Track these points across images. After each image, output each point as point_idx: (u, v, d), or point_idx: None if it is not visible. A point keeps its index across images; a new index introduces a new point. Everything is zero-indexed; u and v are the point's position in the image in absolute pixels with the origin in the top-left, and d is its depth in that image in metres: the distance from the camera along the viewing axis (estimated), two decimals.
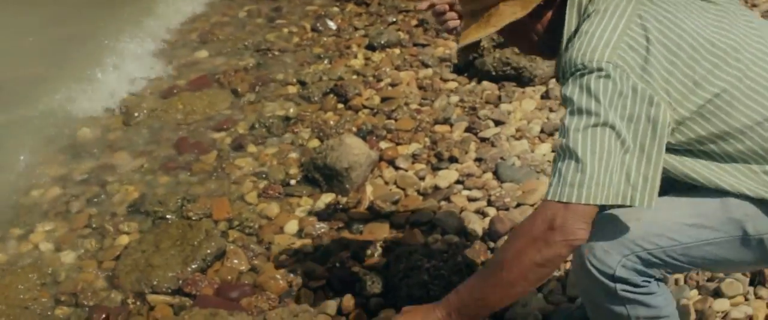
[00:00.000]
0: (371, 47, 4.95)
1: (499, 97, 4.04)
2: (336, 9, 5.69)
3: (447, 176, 3.43)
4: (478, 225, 3.03)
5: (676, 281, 2.55)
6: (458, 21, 2.19)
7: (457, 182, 3.39)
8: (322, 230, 3.21)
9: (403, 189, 3.41)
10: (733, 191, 1.70)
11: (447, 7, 2.22)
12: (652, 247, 1.73)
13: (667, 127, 1.64)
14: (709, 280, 2.53)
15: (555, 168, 1.65)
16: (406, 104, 4.13)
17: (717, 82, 1.68)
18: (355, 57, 4.89)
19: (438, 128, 3.88)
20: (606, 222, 1.74)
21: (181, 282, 2.98)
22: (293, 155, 3.86)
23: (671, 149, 1.71)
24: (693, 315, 2.41)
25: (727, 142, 1.70)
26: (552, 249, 1.62)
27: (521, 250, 1.65)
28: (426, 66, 4.57)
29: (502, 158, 3.46)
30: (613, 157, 1.59)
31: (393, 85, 4.40)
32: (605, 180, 1.58)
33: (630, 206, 1.61)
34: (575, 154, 1.60)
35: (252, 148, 3.99)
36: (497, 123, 3.81)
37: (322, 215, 3.33)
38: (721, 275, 2.48)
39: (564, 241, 1.61)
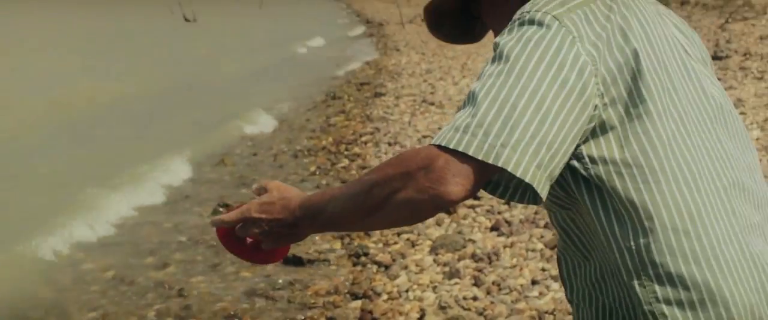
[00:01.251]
0: None
1: None
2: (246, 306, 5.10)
3: None
4: None
5: None
6: None
7: None
8: None
9: None
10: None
11: None
12: None
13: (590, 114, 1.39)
14: None
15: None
16: None
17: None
18: None
19: None
20: None
21: None
22: None
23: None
24: None
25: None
26: (420, 194, 1.35)
27: (389, 179, 1.39)
28: None
29: None
30: (518, 116, 1.32)
31: None
32: (502, 140, 1.31)
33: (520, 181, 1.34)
34: (476, 100, 1.35)
35: None
36: None
37: None
38: None
39: (432, 189, 1.33)
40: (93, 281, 5.44)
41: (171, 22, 36.50)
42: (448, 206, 1.36)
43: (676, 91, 1.46)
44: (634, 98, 1.41)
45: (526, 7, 1.46)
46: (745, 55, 11.31)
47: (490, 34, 1.79)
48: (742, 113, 8.00)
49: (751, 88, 9.34)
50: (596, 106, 1.39)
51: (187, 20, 42.77)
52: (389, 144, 8.73)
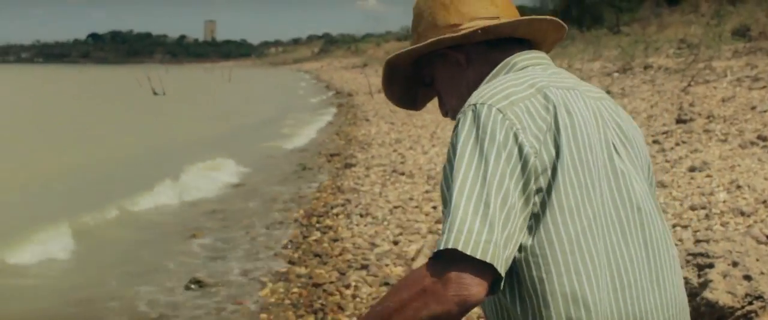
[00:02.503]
0: None
1: None
2: None
3: None
4: None
5: None
6: None
7: None
8: None
9: None
10: None
11: None
12: None
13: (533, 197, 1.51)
14: None
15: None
16: None
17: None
18: None
19: None
20: None
21: None
22: None
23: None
24: None
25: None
26: (444, 305, 1.41)
27: (407, 303, 1.44)
28: None
29: None
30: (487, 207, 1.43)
31: None
32: (485, 237, 1.41)
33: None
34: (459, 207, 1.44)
35: None
36: None
37: None
38: None
39: (456, 296, 1.40)
40: None
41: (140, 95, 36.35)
42: (473, 306, 1.43)
43: (594, 190, 1.54)
44: (551, 191, 1.51)
45: (474, 98, 1.58)
46: (708, 117, 11.50)
47: (433, 102, 1.94)
48: (707, 176, 8.10)
49: (716, 150, 9.47)
50: (535, 196, 1.51)
51: (155, 94, 42.89)
52: (361, 215, 8.72)
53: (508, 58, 1.73)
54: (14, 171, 13.20)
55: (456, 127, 1.56)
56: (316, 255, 7.45)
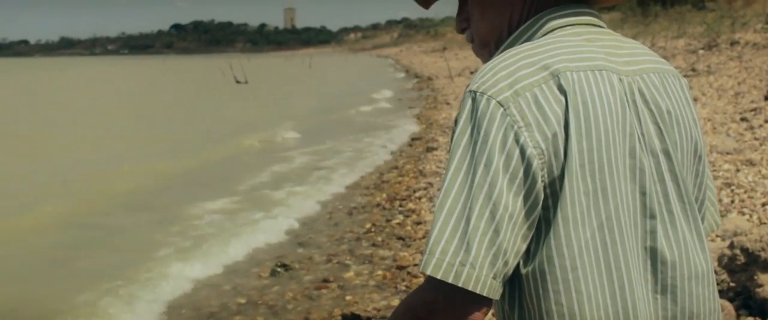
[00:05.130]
0: None
1: None
2: None
3: None
4: None
5: None
6: None
7: None
8: None
9: None
10: None
11: None
12: None
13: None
14: None
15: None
16: None
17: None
18: None
19: None
20: None
21: None
22: None
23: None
24: None
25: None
26: None
27: None
28: None
29: None
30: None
31: None
32: (461, 258, 1.30)
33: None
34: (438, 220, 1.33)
35: None
36: None
37: None
38: None
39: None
40: None
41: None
42: None
43: (608, 194, 1.36)
44: (557, 198, 1.35)
45: (475, 84, 1.38)
46: None
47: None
48: None
49: None
50: (541, 200, 1.35)
51: (238, 82, 43.55)
52: None
53: (541, 16, 1.51)
54: (166, 165, 13.54)
55: (458, 113, 1.40)
56: (400, 238, 7.52)
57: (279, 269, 6.94)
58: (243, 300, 6.25)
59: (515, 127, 1.32)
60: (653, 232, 1.41)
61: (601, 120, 1.36)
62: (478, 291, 1.29)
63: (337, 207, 9.50)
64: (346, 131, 18.00)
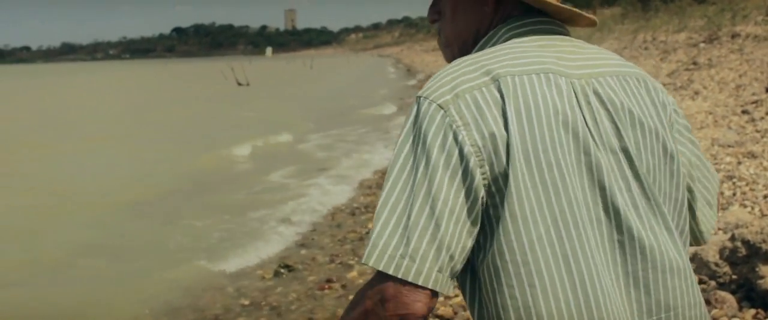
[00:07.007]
0: None
1: None
2: None
3: None
4: None
5: None
6: None
7: None
8: None
9: None
10: None
11: None
12: None
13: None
14: None
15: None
16: None
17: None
18: None
19: None
20: None
21: None
22: None
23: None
24: None
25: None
26: None
27: None
28: None
29: None
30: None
31: None
32: (401, 251, 1.35)
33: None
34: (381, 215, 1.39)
35: None
36: None
37: None
38: None
39: (396, 316, 1.35)
40: None
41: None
42: None
43: (559, 191, 1.38)
44: (503, 196, 1.38)
45: (421, 90, 1.44)
46: None
47: None
48: None
49: None
50: (483, 196, 1.38)
51: (240, 84, 43.62)
52: None
53: (501, 27, 1.57)
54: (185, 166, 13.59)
55: (406, 117, 1.45)
56: None
57: (282, 270, 6.95)
58: (246, 302, 6.26)
59: (454, 127, 1.37)
60: (619, 226, 1.43)
61: (544, 120, 1.40)
62: (420, 283, 1.33)
63: (339, 208, 9.51)
64: (347, 131, 18.03)
